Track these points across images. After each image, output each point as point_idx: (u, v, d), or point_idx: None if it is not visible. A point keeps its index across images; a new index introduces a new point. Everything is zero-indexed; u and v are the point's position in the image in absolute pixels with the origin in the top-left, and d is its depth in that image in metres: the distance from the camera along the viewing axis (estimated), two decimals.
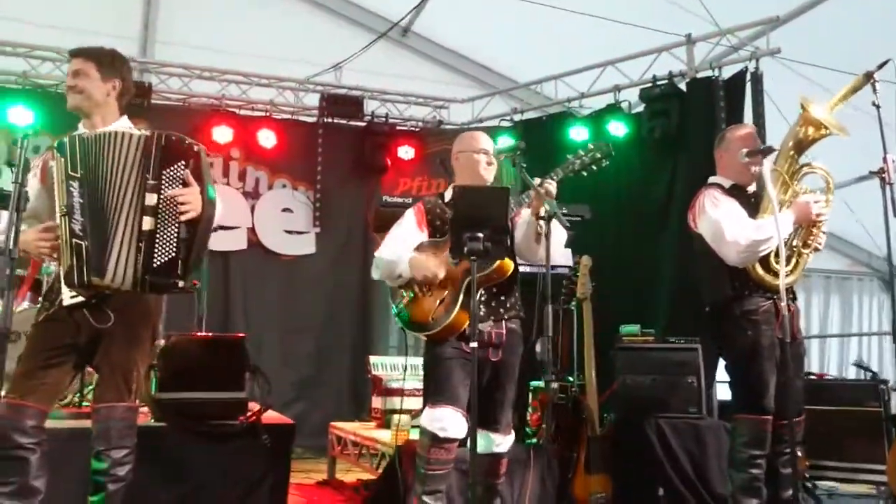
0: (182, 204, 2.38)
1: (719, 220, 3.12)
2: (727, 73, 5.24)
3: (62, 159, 2.42)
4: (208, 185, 2.45)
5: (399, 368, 4.75)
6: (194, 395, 3.32)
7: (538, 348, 2.99)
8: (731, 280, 3.17)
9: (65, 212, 2.39)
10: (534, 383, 4.02)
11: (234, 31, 6.47)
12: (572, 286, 3.76)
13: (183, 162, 2.41)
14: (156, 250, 2.35)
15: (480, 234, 2.33)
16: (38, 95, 5.67)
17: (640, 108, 5.76)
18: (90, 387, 3.33)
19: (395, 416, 4.00)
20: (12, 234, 2.21)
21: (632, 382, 4.05)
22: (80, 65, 2.59)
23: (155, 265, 2.34)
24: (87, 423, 2.56)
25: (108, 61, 2.64)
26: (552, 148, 5.71)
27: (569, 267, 4.14)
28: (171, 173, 2.39)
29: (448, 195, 3.10)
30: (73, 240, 2.36)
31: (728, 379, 3.39)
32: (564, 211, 4.46)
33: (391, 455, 3.77)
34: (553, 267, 4.42)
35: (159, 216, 2.37)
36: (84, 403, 3.37)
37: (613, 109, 5.85)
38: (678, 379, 4.01)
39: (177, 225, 2.38)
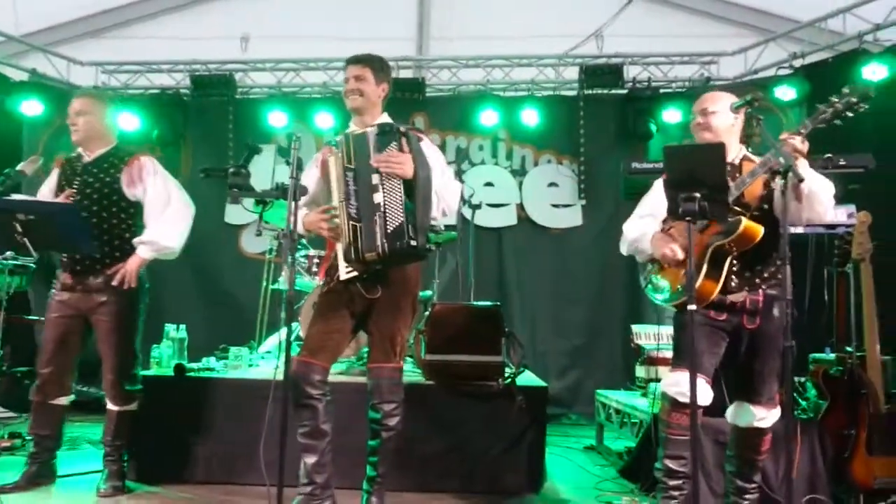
0: (392, 167, 2.70)
1: None
2: None
3: (340, 154, 2.86)
4: (420, 156, 2.77)
5: (663, 338, 4.67)
6: (457, 357, 3.68)
7: (775, 312, 2.73)
8: None
9: (343, 198, 2.83)
10: (813, 356, 3.68)
11: (496, 17, 6.82)
12: (847, 246, 3.34)
13: (395, 143, 2.76)
14: (388, 219, 2.69)
15: (696, 195, 2.23)
16: (337, 102, 6.58)
17: None
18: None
19: (653, 384, 3.97)
20: (293, 220, 2.69)
21: None
22: (359, 70, 2.99)
23: (389, 231, 2.68)
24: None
25: (379, 66, 3.03)
26: None
27: (847, 225, 3.68)
28: (383, 155, 2.74)
29: None
30: (351, 222, 2.79)
31: None
32: (842, 162, 4.02)
33: (647, 422, 3.77)
34: (831, 226, 4.02)
35: (384, 190, 2.71)
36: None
37: None
38: None
39: (399, 195, 2.70)
